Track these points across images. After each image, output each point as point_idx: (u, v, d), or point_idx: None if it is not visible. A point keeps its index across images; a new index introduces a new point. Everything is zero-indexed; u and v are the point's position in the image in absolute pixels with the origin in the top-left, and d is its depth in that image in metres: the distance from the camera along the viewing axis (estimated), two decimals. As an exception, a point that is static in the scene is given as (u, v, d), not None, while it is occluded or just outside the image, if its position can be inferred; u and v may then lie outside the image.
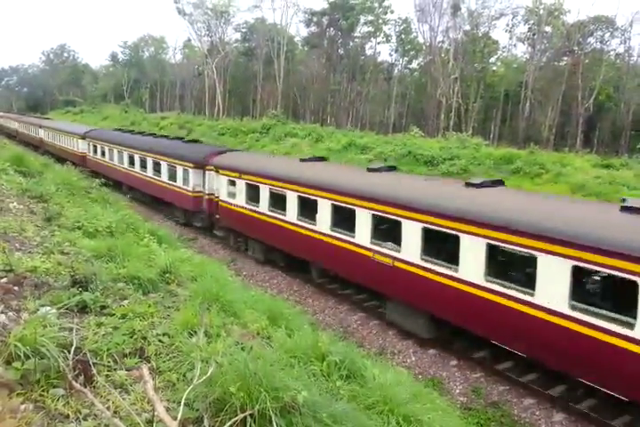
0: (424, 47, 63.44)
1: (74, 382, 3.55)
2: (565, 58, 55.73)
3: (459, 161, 28.32)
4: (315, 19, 66.14)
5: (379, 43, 68.36)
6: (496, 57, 63.89)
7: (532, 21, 54.73)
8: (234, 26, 74.45)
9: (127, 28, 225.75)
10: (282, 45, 64.25)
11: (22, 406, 3.33)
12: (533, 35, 54.70)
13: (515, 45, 63.21)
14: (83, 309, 5.27)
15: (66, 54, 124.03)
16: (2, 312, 4.49)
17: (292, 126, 46.45)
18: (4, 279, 5.52)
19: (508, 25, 58.01)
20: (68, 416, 3.36)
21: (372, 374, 5.61)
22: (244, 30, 74.49)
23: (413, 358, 11.51)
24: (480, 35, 57.32)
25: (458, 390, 10.41)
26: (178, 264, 8.64)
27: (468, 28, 57.07)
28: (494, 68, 64.64)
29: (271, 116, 50.78)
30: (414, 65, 73.02)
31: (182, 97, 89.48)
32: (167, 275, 7.86)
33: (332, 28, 65.90)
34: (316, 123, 56.75)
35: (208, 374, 3.69)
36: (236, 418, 3.49)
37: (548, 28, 53.78)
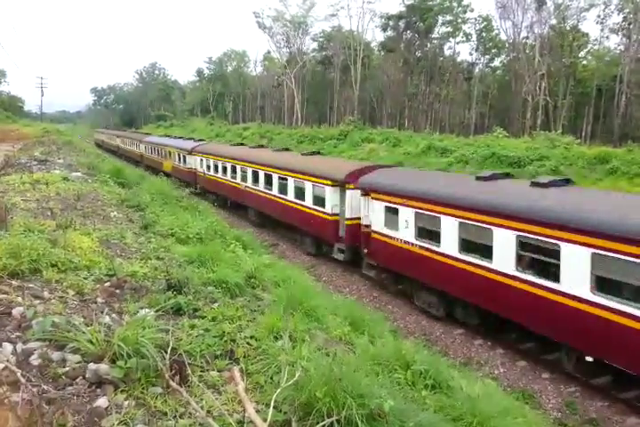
0: (507, 44, 60.88)
1: (171, 382, 3.75)
2: (667, 47, 50.95)
3: (548, 162, 26.78)
4: (391, 23, 65.81)
5: (458, 42, 66.68)
6: (586, 50, 59.85)
7: (627, 10, 50.66)
8: (311, 36, 76.27)
9: (212, 45, 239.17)
10: (358, 52, 64.55)
11: (126, 403, 3.58)
12: (629, 24, 50.55)
13: (607, 37, 58.92)
14: (177, 311, 5.58)
15: (157, 72, 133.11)
16: (106, 314, 4.87)
17: (369, 132, 46.45)
18: (108, 283, 5.99)
19: (599, 16, 54.10)
20: (166, 414, 3.55)
21: (459, 385, 5.44)
22: (320, 39, 75.86)
23: (502, 370, 10.97)
24: (568, 28, 54.01)
25: (551, 405, 9.77)
26: (262, 269, 8.94)
27: (554, 21, 53.99)
28: (584, 62, 60.55)
29: (348, 122, 51.10)
30: (496, 63, 70.36)
31: (263, 107, 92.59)
32: (252, 279, 8.16)
33: (408, 31, 65.18)
34: (393, 127, 56.32)
35: (295, 378, 3.75)
36: (323, 423, 3.52)
37: (646, 16, 49.51)
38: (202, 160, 31.00)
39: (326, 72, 77.29)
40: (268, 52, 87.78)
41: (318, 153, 23.98)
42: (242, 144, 34.10)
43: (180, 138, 43.13)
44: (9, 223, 7.04)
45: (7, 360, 3.71)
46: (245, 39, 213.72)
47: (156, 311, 5.17)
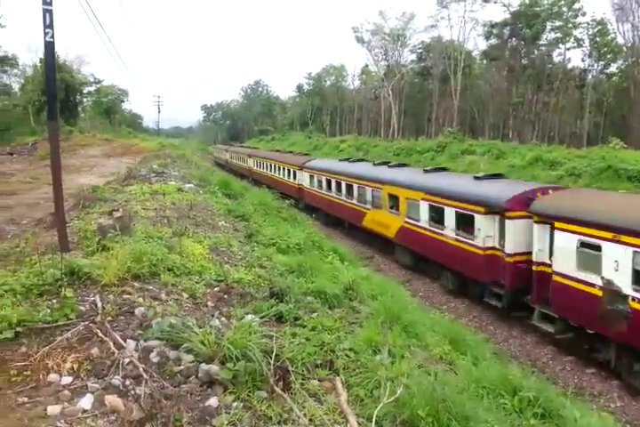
0: (625, 48, 56.10)
1: (275, 387, 3.88)
2: None
3: (674, 175, 24.17)
4: (495, 31, 63.55)
5: (568, 48, 62.47)
6: None
7: None
8: (410, 47, 75.89)
9: (311, 61, 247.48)
10: (459, 61, 63.07)
11: (234, 404, 3.76)
12: None
13: None
14: (279, 318, 5.78)
15: (260, 89, 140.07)
16: (216, 317, 5.16)
17: (469, 143, 44.95)
18: (217, 288, 6.35)
19: None
20: (270, 418, 3.67)
21: (573, 416, 5.03)
22: (419, 51, 75.23)
23: (619, 404, 9.93)
24: (701, 27, 48.60)
25: (681, 451, 8.67)
26: (359, 282, 8.96)
27: (683, 20, 48.90)
28: None
29: (447, 133, 49.87)
30: (613, 69, 64.97)
31: (359, 120, 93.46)
32: (350, 291, 8.21)
33: (513, 39, 62.53)
34: (495, 138, 54.02)
35: (397, 394, 3.70)
36: (425, 443, 3.44)
37: None
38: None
39: (425, 83, 76.31)
40: (366, 66, 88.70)
41: None
42: None
43: (399, 166, 21.39)
44: (132, 230, 7.74)
45: (131, 356, 4.07)
46: (344, 54, 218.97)
47: (261, 318, 5.39)
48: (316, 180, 26.86)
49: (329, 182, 24.95)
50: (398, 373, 4.57)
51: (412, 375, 4.53)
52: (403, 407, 3.72)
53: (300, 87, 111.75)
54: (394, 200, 18.36)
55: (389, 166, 21.14)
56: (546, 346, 12.37)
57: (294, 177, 30.79)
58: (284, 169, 33.50)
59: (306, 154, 38.50)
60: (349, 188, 22.44)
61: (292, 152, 41.57)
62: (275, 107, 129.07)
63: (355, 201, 21.68)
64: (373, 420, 3.42)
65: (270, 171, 37.78)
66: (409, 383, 4.14)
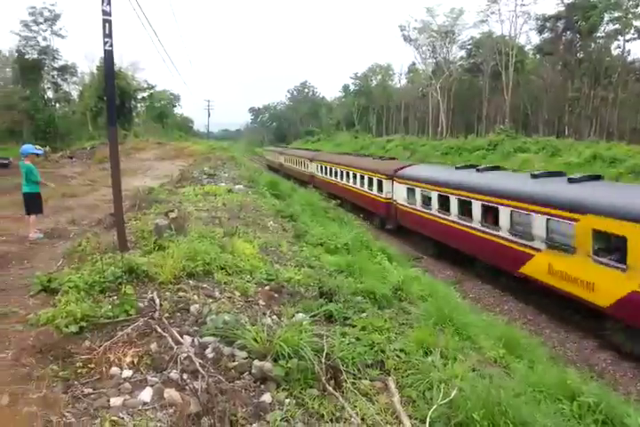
0: (692, 37, 52.75)
1: (327, 386, 3.90)
2: None
3: None
4: (548, 24, 61.34)
5: (628, 40, 59.40)
6: None
7: None
8: (459, 44, 74.38)
9: (358, 61, 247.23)
10: (510, 57, 61.23)
11: (287, 401, 3.80)
12: None
13: None
14: (328, 318, 5.80)
15: (306, 90, 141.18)
16: (268, 316, 5.25)
17: (522, 141, 43.48)
18: (267, 287, 6.46)
19: None
20: (322, 416, 3.70)
21: (637, 424, 4.79)
22: (469, 47, 73.60)
23: (688, 415, 9.34)
24: None
25: None
26: (408, 282, 8.87)
27: None
28: None
29: (499, 131, 48.47)
30: (679, 59, 61.21)
31: (406, 120, 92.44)
32: (399, 292, 8.14)
33: (568, 32, 60.10)
34: (550, 135, 52.05)
35: (451, 396, 3.65)
36: (481, 447, 3.36)
37: None
38: None
39: (474, 80, 74.56)
40: (413, 64, 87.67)
41: None
42: None
43: (592, 180, 12.64)
44: (186, 230, 7.99)
45: (188, 351, 4.20)
46: (390, 52, 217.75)
47: (311, 317, 5.43)
48: (419, 195, 19.43)
49: (445, 200, 17.37)
50: (451, 375, 4.49)
51: (466, 378, 4.44)
52: (457, 410, 3.65)
53: (346, 87, 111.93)
54: (609, 242, 10.83)
55: (573, 181, 12.47)
56: (605, 351, 11.80)
57: (379, 188, 23.26)
58: (363, 178, 25.94)
59: (392, 158, 30.17)
60: (490, 211, 14.88)
61: (370, 155, 33.71)
62: (321, 108, 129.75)
63: (503, 233, 14.02)
64: (427, 421, 3.38)
65: (342, 179, 29.68)
66: (463, 386, 4.05)
